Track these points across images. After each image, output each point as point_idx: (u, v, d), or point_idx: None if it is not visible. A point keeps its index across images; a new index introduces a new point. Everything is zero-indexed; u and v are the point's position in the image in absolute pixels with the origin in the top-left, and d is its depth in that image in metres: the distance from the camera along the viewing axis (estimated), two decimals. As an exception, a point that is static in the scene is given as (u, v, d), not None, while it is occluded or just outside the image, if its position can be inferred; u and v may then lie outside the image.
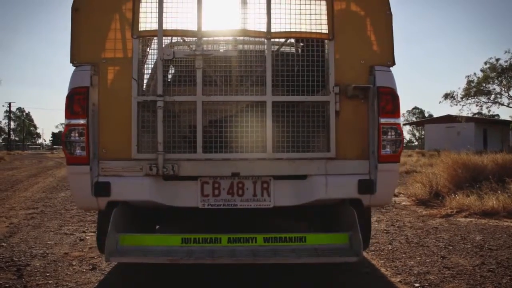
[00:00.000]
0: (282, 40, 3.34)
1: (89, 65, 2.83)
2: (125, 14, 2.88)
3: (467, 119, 37.85)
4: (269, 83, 2.86)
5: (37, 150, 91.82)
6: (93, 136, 2.80)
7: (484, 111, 38.18)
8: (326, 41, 2.95)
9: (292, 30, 2.93)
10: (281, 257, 2.75)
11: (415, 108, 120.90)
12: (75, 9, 2.87)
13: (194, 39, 2.95)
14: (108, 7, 2.91)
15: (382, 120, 2.86)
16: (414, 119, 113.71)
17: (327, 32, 2.91)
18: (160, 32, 2.83)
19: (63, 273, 3.43)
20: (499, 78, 35.04)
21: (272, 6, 2.88)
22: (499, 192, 6.47)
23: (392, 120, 2.90)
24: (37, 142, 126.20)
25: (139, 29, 2.87)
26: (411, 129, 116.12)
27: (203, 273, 3.41)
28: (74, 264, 3.68)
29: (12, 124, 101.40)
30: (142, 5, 2.88)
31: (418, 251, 4.14)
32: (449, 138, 41.89)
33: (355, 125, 2.93)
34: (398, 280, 3.32)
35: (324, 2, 2.92)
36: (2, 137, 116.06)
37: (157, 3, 2.81)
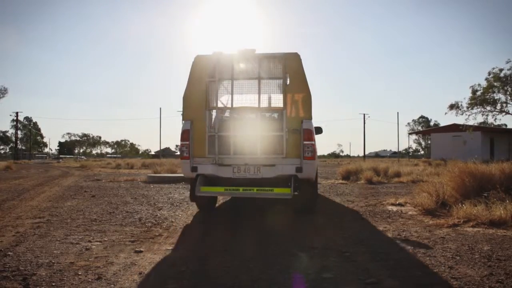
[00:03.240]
0: (266, 109, 7.25)
1: (189, 121, 6.71)
2: (203, 97, 6.73)
3: (474, 128, 37.67)
4: (260, 126, 6.70)
5: (44, 159, 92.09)
6: (191, 148, 6.67)
7: (490, 120, 37.94)
8: (283, 108, 6.62)
9: (268, 106, 7.35)
10: (262, 195, 6.33)
11: (421, 117, 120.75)
12: (184, 99, 6.86)
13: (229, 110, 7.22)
14: (196, 97, 6.75)
15: (305, 142, 6.41)
16: (420, 128, 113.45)
17: (282, 106, 6.63)
18: (218, 108, 6.98)
19: (69, 283, 3.42)
20: (505, 88, 34.89)
21: (261, 96, 6.74)
22: (507, 201, 6.40)
23: (309, 142, 6.41)
24: (44, 151, 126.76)
25: (209, 106, 6.73)
26: (417, 138, 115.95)
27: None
28: (79, 273, 3.67)
29: (19, 134, 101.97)
30: (209, 93, 6.76)
31: (425, 261, 4.10)
32: (455, 147, 41.87)
33: (294, 143, 6.50)
34: (405, 290, 3.29)
35: (281, 95, 6.68)
36: (10, 146, 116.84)
37: (216, 93, 6.96)
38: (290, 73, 6.65)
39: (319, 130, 8.84)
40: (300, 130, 6.44)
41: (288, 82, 6.63)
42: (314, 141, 6.47)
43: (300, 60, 6.73)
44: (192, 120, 6.70)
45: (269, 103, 7.37)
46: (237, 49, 6.85)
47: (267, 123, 6.92)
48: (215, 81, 6.80)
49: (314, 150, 6.44)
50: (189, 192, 7.70)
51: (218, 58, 6.80)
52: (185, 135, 6.63)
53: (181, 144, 6.71)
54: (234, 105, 6.83)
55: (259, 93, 6.70)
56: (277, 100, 6.93)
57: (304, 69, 6.66)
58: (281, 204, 7.84)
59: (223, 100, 7.23)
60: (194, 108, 6.73)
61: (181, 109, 6.87)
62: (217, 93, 7.01)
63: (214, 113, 6.91)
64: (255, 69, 6.80)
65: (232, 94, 6.78)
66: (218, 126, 6.70)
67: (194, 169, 6.60)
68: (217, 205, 8.42)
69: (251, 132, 6.66)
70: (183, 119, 6.76)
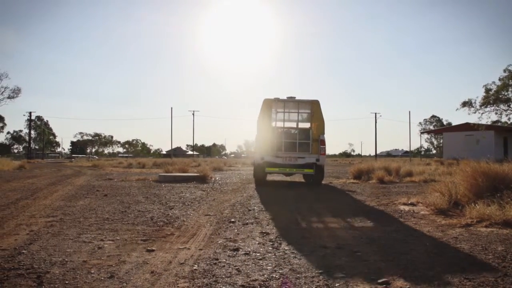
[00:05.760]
0: (301, 129, 13.83)
1: (261, 133, 12.95)
2: (269, 120, 13.41)
3: (487, 127, 37.26)
4: (297, 137, 13.19)
5: (56, 159, 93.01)
6: (262, 147, 13.02)
7: (504, 119, 37.50)
8: (310, 128, 13.13)
9: (302, 127, 14.05)
10: (298, 172, 13.71)
11: (433, 116, 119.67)
12: (260, 118, 13.19)
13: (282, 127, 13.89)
14: (265, 120, 13.10)
15: (321, 146, 12.77)
16: (432, 127, 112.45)
17: (309, 127, 13.23)
18: (276, 126, 14.10)
19: (82, 281, 3.46)
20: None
21: (299, 121, 14.33)
22: (521, 201, 6.33)
23: (323, 146, 12.77)
24: (57, 151, 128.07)
25: (271, 125, 13.84)
26: (429, 137, 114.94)
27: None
28: (92, 272, 3.71)
29: (33, 133, 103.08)
30: (271, 118, 13.88)
31: (437, 262, 4.07)
32: (468, 147, 41.43)
33: (315, 146, 12.83)
34: (417, 291, 3.27)
35: (309, 122, 13.56)
36: (23, 145, 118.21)
37: (275, 118, 14.50)
38: (313, 110, 13.08)
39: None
40: (318, 140, 12.89)
41: (312, 115, 13.18)
42: (325, 145, 12.88)
43: (319, 103, 13.00)
44: (262, 132, 12.89)
45: (303, 125, 14.18)
46: (286, 96, 13.05)
47: (301, 135, 13.19)
48: (275, 112, 13.94)
49: (325, 150, 12.98)
50: (201, 191, 10.88)
51: (276, 100, 13.00)
52: (259, 140, 12.93)
53: (255, 145, 13.19)
54: (285, 125, 13.95)
55: (297, 120, 14.26)
56: (307, 124, 13.86)
57: (321, 109, 13.09)
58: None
59: (279, 122, 14.29)
60: (264, 126, 12.97)
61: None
62: (276, 118, 14.36)
63: (274, 128, 13.58)
64: (295, 106, 13.60)
65: (283, 119, 13.94)
66: (276, 136, 13.10)
67: (262, 158, 12.79)
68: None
69: (293, 140, 13.18)
70: (257, 131, 12.98)
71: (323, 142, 12.65)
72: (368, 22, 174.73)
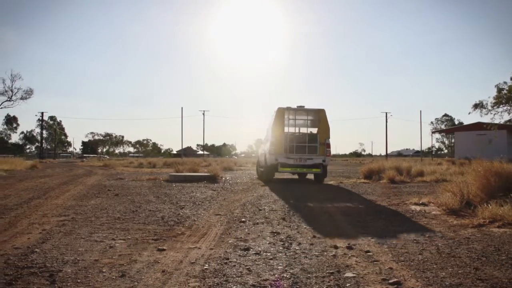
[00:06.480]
0: (309, 133, 15.54)
1: (275, 137, 14.29)
2: (282, 127, 14.89)
3: (499, 126, 36.80)
4: (307, 140, 14.73)
5: (68, 158, 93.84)
6: (276, 149, 14.37)
7: (517, 119, 36.95)
8: (317, 133, 14.86)
9: (311, 132, 15.89)
10: (307, 172, 15.24)
11: (445, 115, 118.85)
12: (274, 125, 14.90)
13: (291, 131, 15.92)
14: (279, 126, 14.55)
15: (327, 149, 14.36)
16: (443, 126, 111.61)
17: (317, 132, 14.95)
18: (289, 132, 15.58)
19: (94, 280, 3.48)
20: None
21: (308, 127, 16.19)
22: (534, 201, 6.26)
23: (328, 149, 14.39)
24: (68, 151, 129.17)
25: (284, 130, 15.09)
26: (440, 137, 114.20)
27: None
28: (104, 271, 3.73)
29: (45, 133, 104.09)
30: (284, 125, 15.28)
31: (449, 262, 4.04)
32: (480, 146, 41.07)
33: (322, 149, 14.37)
34: (429, 291, 3.25)
35: (316, 128, 15.40)
36: (35, 145, 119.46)
37: (288, 125, 15.84)
38: (320, 117, 14.84)
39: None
40: (324, 143, 14.43)
41: (319, 121, 14.94)
42: (330, 148, 14.52)
43: (325, 111, 14.71)
44: (276, 136, 14.31)
45: (311, 130, 15.97)
46: (296, 105, 14.67)
47: (309, 139, 14.77)
48: (287, 118, 15.49)
49: (330, 152, 14.60)
50: (211, 191, 11.04)
51: (288, 108, 14.71)
52: (274, 143, 14.31)
53: (270, 147, 14.32)
54: (296, 131, 16.01)
55: (307, 125, 16.08)
56: (315, 129, 15.66)
57: (327, 116, 14.74)
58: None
59: (291, 128, 15.99)
60: (277, 130, 14.42)
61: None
62: (288, 124, 15.76)
63: (286, 133, 15.05)
64: (304, 114, 15.57)
65: (295, 125, 16.08)
66: (288, 140, 14.60)
67: (276, 159, 14.17)
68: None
69: (303, 143, 14.68)
70: (272, 136, 14.41)
71: (328, 145, 14.35)
72: (378, 21, 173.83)
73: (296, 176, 17.76)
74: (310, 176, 16.51)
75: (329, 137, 14.44)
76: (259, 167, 17.53)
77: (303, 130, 15.99)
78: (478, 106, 35.74)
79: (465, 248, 4.61)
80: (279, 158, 14.08)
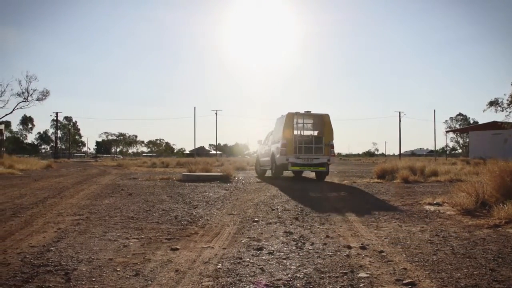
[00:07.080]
0: (315, 136, 17.09)
1: (286, 139, 15.67)
2: (291, 129, 16.11)
3: (515, 125, 36.29)
4: (313, 142, 16.38)
5: (82, 158, 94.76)
6: (286, 150, 15.64)
7: (533, 117, 36.33)
8: (322, 135, 16.41)
9: (317, 134, 17.33)
10: (314, 170, 16.46)
11: (459, 114, 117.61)
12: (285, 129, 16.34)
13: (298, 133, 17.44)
14: (288, 129, 15.88)
15: (331, 149, 15.94)
16: (458, 126, 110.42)
17: (322, 135, 16.43)
18: (298, 134, 17.20)
19: (108, 279, 3.51)
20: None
21: (314, 130, 17.96)
22: (551, 202, 6.16)
23: (332, 149, 16.01)
24: (82, 150, 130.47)
25: (293, 133, 16.32)
26: (454, 136, 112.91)
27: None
28: (118, 269, 3.76)
29: (59, 133, 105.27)
30: (293, 128, 16.44)
31: (464, 263, 3.99)
32: (495, 146, 40.57)
33: (326, 149, 15.95)
34: (444, 292, 3.21)
35: (322, 131, 16.68)
36: (50, 145, 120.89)
37: (296, 127, 17.30)
38: (324, 121, 16.30)
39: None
40: (329, 144, 15.94)
41: (323, 125, 16.35)
42: (334, 148, 16.04)
43: (329, 116, 16.23)
44: (287, 138, 15.57)
45: (317, 133, 17.29)
46: (304, 110, 16.12)
47: (316, 141, 16.31)
48: (296, 122, 16.83)
49: (334, 153, 16.18)
50: (224, 191, 11.13)
51: (297, 113, 16.16)
52: (284, 141, 15.57)
53: (281, 148, 15.56)
54: (303, 133, 17.50)
55: (313, 128, 17.84)
56: (320, 132, 16.85)
57: (331, 121, 16.28)
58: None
59: (299, 130, 17.53)
60: (287, 133, 15.66)
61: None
62: (296, 127, 17.09)
63: (295, 136, 16.37)
64: (311, 118, 17.18)
65: (302, 128, 17.68)
66: (297, 142, 15.96)
67: (287, 159, 15.44)
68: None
69: (310, 144, 16.17)
70: (283, 138, 15.63)
71: (332, 146, 16.04)
72: (390, 21, 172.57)
73: (293, 175, 18.89)
74: (311, 175, 18.22)
75: (332, 139, 16.13)
76: (259, 167, 18.98)
77: (310, 132, 17.82)
78: (494, 103, 35.27)
79: (480, 249, 4.56)
80: (289, 158, 15.52)
